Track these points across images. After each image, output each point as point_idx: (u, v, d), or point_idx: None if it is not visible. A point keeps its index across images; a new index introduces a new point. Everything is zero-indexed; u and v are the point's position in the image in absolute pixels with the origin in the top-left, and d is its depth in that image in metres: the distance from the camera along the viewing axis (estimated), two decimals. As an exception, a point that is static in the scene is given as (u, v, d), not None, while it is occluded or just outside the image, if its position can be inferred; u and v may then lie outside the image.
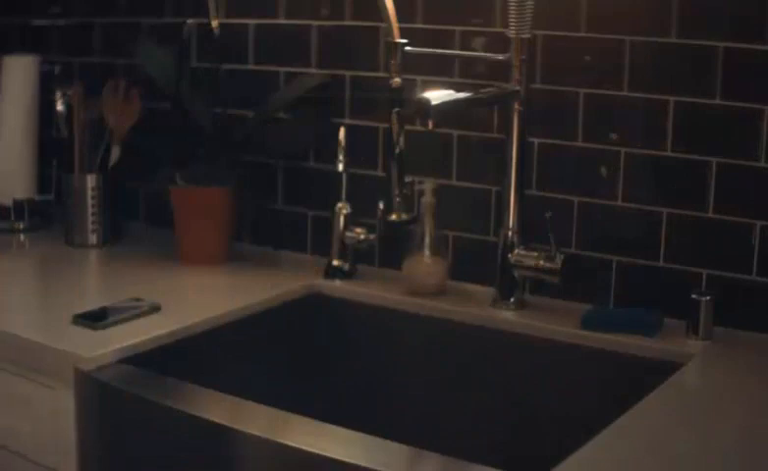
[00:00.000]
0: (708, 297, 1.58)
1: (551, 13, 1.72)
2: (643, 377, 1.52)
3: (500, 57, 1.72)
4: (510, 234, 1.72)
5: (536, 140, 1.78)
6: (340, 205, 1.89)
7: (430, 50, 1.77)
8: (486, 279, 1.79)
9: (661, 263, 1.69)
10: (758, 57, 1.57)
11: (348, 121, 1.96)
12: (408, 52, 1.65)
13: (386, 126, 1.63)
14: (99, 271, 2.05)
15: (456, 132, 1.86)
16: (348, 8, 1.97)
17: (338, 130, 1.88)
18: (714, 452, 1.24)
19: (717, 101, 1.61)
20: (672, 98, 1.65)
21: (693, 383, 1.50)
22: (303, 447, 1.23)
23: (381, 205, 1.71)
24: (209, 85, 2.08)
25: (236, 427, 1.27)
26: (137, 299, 1.68)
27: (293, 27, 2.04)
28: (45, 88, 2.28)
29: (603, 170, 1.71)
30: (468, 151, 1.86)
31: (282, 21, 2.06)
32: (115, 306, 1.66)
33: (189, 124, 2.00)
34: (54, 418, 1.52)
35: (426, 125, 1.50)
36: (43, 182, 2.29)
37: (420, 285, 1.82)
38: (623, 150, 1.70)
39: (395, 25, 1.64)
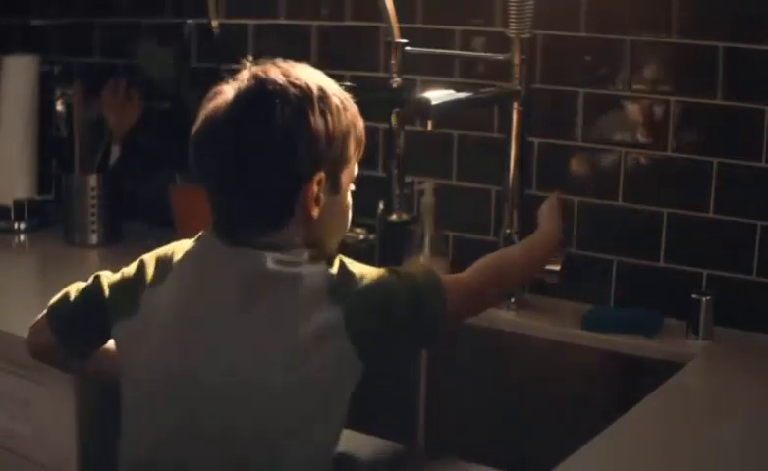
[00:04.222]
0: (708, 297, 1.58)
1: (551, 13, 1.72)
2: (643, 377, 1.52)
3: (500, 57, 1.72)
4: (510, 233, 1.72)
5: (536, 140, 1.78)
6: (340, 205, 1.89)
7: (430, 50, 1.77)
8: (486, 279, 1.79)
9: (661, 263, 1.69)
10: (759, 57, 1.57)
11: (348, 121, 1.96)
12: (408, 52, 1.65)
13: (386, 126, 1.63)
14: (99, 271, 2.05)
15: (456, 132, 1.86)
16: (348, 8, 1.97)
17: (338, 130, 1.88)
18: (714, 452, 1.24)
19: (718, 101, 1.61)
20: (672, 98, 1.65)
21: (693, 383, 1.50)
22: (304, 447, 1.23)
23: (381, 205, 1.71)
24: (209, 85, 2.08)
25: (236, 427, 1.27)
26: (137, 299, 1.68)
27: (293, 27, 2.04)
28: (45, 88, 2.28)
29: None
30: (468, 151, 1.86)
31: (282, 21, 2.06)
32: (115, 306, 1.65)
33: (189, 124, 2.00)
34: (54, 418, 1.52)
35: (426, 125, 1.50)
36: (43, 181, 2.29)
37: (420, 285, 1.81)
38: (623, 150, 1.70)
39: (395, 25, 1.64)
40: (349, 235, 1.88)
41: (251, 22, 2.09)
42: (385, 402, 1.79)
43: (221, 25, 1.97)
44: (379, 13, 1.66)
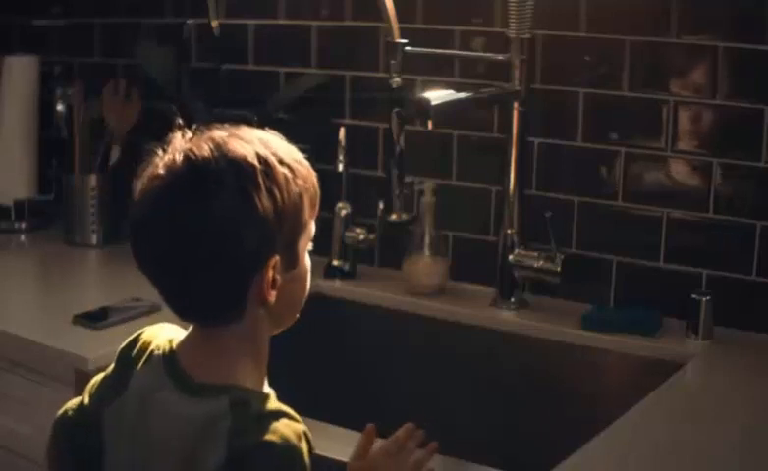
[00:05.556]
0: (708, 297, 1.59)
1: (551, 13, 1.72)
2: (643, 377, 1.52)
3: (500, 57, 1.72)
4: (510, 233, 1.72)
5: (536, 140, 1.78)
6: (340, 205, 1.89)
7: (430, 50, 1.77)
8: (486, 279, 1.79)
9: (661, 263, 1.69)
10: (759, 57, 1.57)
11: (348, 121, 1.96)
12: (408, 52, 1.65)
13: (386, 126, 1.63)
14: (99, 271, 2.05)
15: (456, 132, 1.86)
16: (348, 8, 1.97)
17: (338, 130, 1.88)
18: (714, 452, 1.24)
19: (717, 101, 1.61)
20: (672, 98, 1.65)
21: (693, 383, 1.50)
22: (303, 447, 1.23)
23: (381, 205, 1.71)
24: (209, 85, 2.08)
25: (236, 427, 1.27)
26: (137, 299, 1.68)
27: (293, 27, 2.04)
28: (45, 88, 2.28)
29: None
30: (468, 151, 1.86)
31: (282, 21, 2.06)
32: (115, 306, 1.65)
33: (188, 124, 2.00)
34: (54, 418, 1.51)
35: (426, 125, 1.50)
36: (43, 182, 2.29)
37: (420, 285, 1.82)
38: (623, 150, 1.70)
39: (395, 25, 1.64)
40: (349, 235, 1.89)
41: (251, 22, 2.09)
42: (385, 402, 1.79)
43: (221, 24, 1.97)
44: (379, 13, 1.66)
